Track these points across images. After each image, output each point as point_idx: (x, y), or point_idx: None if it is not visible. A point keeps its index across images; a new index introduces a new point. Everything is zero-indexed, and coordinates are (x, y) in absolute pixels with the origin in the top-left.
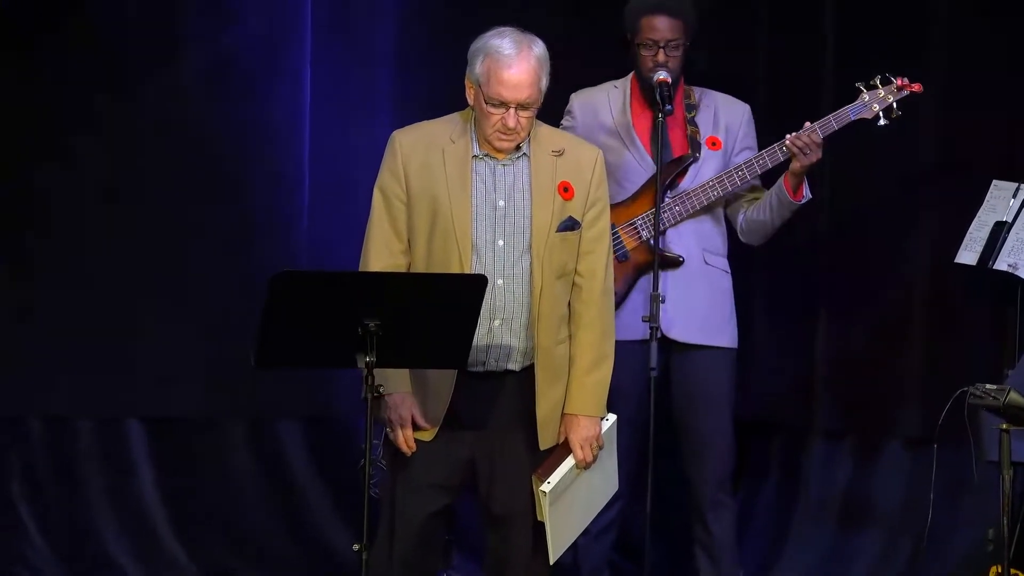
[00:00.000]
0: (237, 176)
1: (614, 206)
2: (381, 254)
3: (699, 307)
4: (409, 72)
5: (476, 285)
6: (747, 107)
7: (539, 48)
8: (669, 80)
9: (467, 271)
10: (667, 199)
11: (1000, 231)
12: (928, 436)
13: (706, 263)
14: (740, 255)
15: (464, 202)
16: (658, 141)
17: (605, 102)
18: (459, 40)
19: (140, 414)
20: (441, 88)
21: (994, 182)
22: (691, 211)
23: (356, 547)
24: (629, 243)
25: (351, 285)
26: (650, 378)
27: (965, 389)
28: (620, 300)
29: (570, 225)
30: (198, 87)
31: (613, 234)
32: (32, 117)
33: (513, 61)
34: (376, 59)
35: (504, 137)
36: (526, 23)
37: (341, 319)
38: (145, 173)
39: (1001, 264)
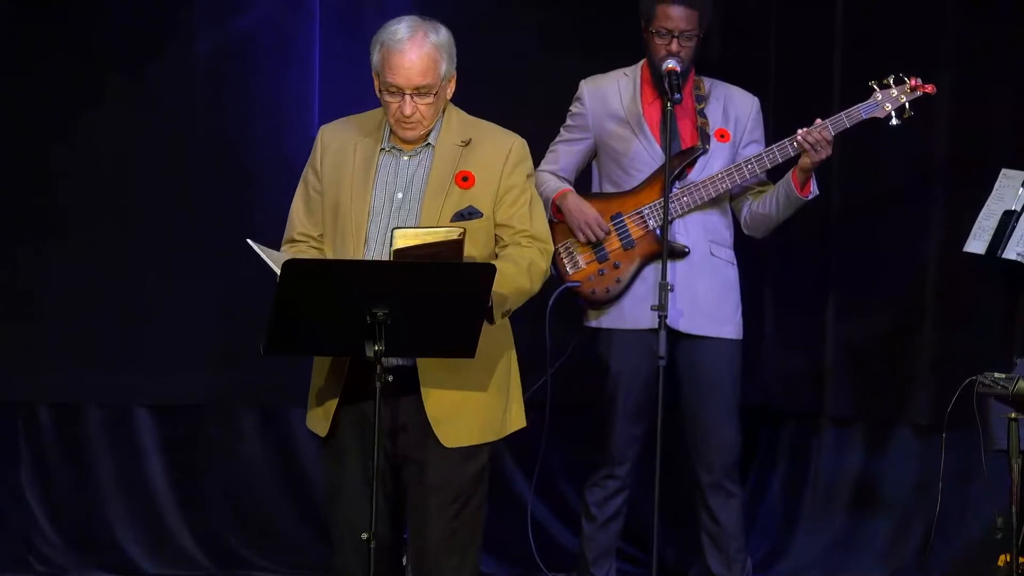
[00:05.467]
0: (247, 162)
1: (621, 194)
2: (296, 241)
3: (704, 298)
4: None
5: (485, 274)
6: (756, 100)
7: (437, 35)
8: (678, 69)
9: None
10: (675, 190)
11: (1009, 220)
12: (937, 424)
13: (712, 254)
14: (751, 242)
15: (363, 197)
16: (667, 131)
17: (615, 90)
18: (468, 27)
19: (148, 402)
20: None
21: (1003, 171)
22: (699, 203)
23: (364, 536)
24: (635, 232)
25: (361, 274)
26: (659, 367)
27: (974, 378)
28: (624, 288)
29: (467, 213)
30: (208, 71)
31: (620, 222)
32: (42, 99)
33: (405, 46)
34: None
35: (405, 125)
36: (533, 13)
37: (350, 308)
38: (154, 159)
39: (1010, 253)
